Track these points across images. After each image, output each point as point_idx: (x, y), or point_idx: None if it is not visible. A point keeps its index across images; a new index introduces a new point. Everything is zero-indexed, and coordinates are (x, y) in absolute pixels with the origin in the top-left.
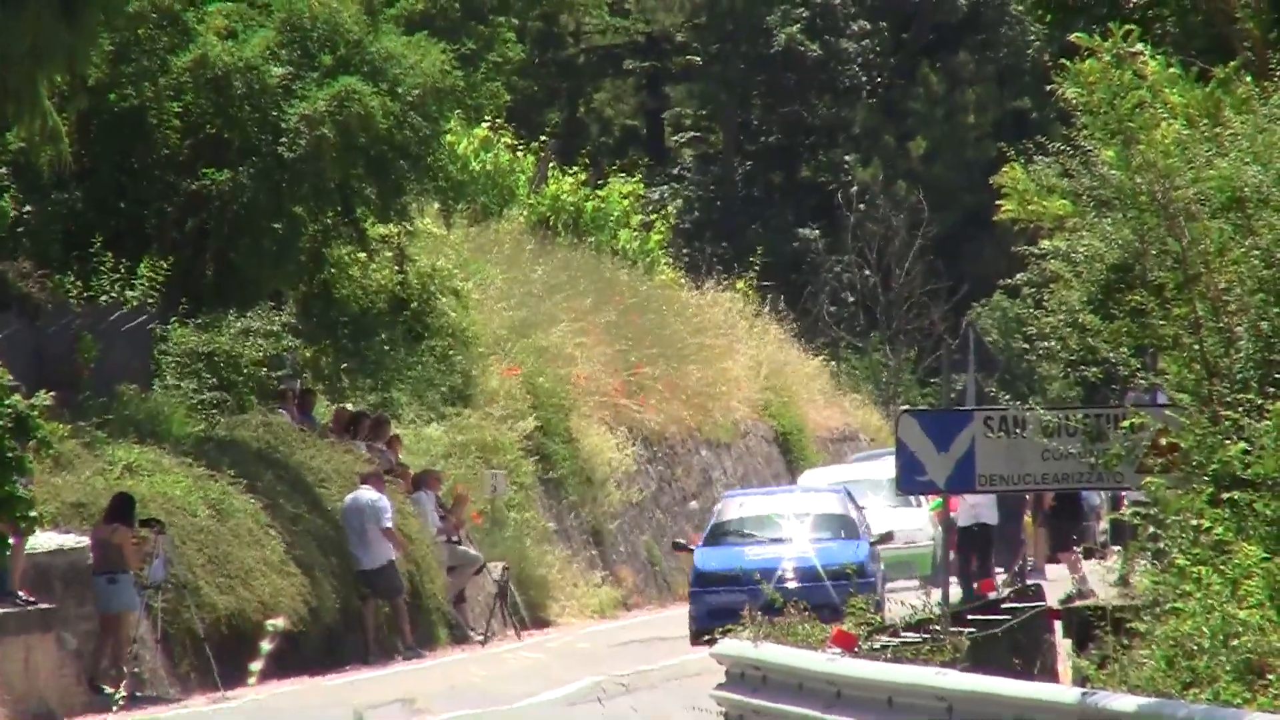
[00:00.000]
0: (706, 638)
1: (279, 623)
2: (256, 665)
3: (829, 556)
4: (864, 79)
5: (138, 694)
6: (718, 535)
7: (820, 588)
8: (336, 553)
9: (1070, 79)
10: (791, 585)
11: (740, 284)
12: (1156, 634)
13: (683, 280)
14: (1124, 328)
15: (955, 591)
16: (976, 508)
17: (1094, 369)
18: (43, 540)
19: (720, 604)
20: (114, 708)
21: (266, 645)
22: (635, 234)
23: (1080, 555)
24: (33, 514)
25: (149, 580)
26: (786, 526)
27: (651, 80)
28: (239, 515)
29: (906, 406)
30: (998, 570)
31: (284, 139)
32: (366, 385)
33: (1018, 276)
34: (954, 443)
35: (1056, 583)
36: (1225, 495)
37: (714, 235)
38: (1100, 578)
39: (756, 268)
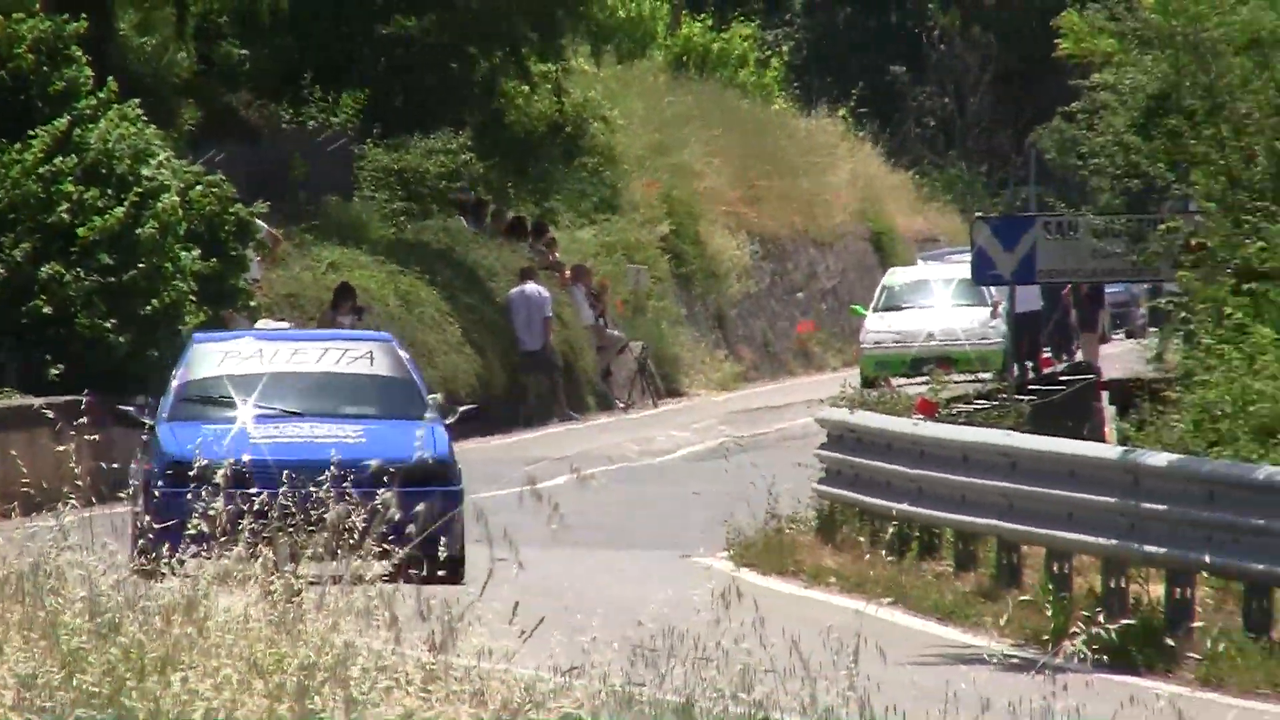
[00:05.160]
0: (150, 563)
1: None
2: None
3: (389, 446)
4: None
5: None
6: (190, 401)
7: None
8: (503, 336)
9: None
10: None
11: (841, 112)
12: (1186, 402)
13: (793, 109)
14: (1161, 147)
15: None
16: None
17: (1136, 181)
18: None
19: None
20: None
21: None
22: (753, 71)
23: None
24: (253, 303)
25: None
26: (304, 390)
27: None
28: (424, 305)
29: (979, 214)
30: (1044, 351)
31: None
32: (530, 196)
33: (1073, 104)
34: (1019, 243)
35: (1103, 362)
36: (1244, 286)
37: (819, 71)
38: (1139, 355)
39: (854, 98)
